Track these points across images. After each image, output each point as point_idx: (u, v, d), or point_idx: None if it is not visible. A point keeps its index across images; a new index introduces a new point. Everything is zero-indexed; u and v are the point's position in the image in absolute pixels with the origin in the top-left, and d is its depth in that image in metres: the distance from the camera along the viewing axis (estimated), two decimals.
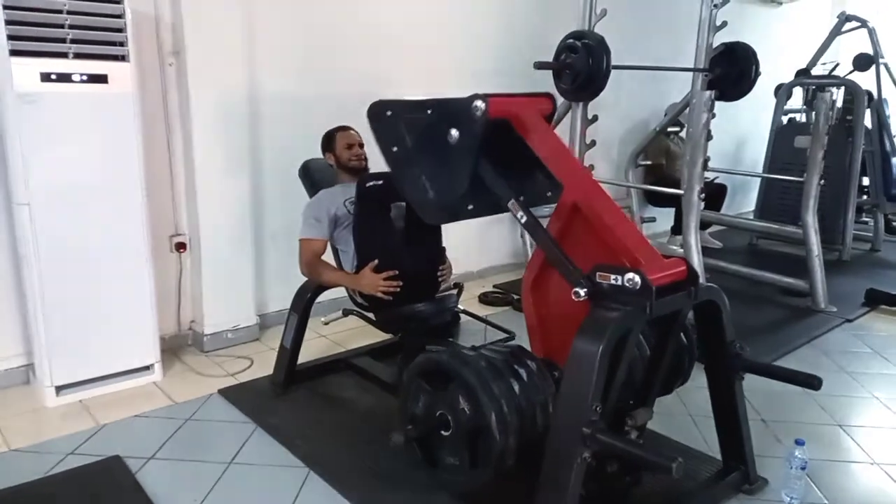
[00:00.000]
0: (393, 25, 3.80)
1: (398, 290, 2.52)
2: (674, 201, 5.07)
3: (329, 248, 2.82)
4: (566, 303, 1.86)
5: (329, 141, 2.89)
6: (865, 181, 5.63)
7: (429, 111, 2.04)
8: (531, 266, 2.11)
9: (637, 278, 1.68)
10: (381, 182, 2.48)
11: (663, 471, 1.49)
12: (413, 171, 2.08)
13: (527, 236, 4.58)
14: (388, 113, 2.10)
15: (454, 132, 1.94)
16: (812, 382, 1.98)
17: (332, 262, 2.84)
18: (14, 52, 2.42)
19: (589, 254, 1.88)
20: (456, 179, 1.98)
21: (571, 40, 3.35)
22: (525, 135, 2.01)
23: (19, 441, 2.42)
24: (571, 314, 1.89)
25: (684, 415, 2.69)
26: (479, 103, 1.88)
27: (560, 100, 2.64)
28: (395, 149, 2.10)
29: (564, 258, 1.84)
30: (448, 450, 1.94)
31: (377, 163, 2.95)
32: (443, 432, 1.93)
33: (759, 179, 5.90)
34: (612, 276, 1.72)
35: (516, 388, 1.84)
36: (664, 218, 5.36)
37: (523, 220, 1.92)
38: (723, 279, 4.00)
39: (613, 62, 3.26)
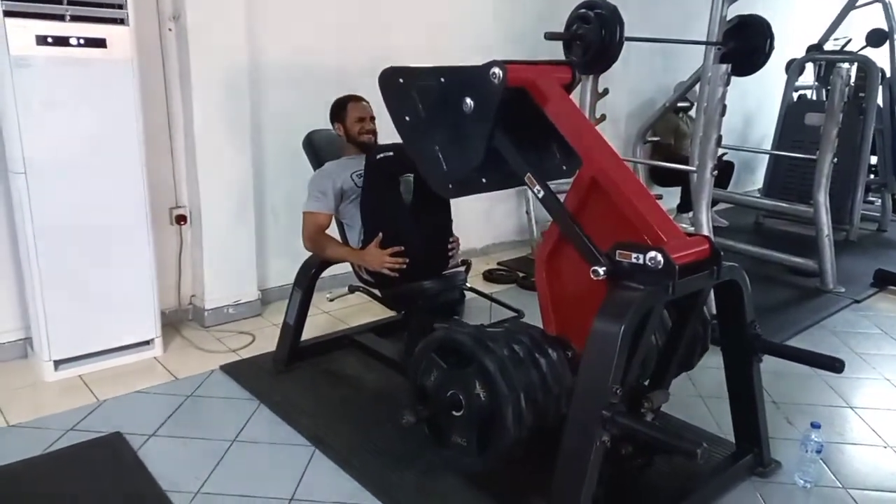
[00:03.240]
0: None
1: (404, 266, 2.45)
2: (680, 180, 5.00)
3: (334, 223, 2.75)
4: (582, 278, 1.79)
5: (340, 109, 2.76)
6: (873, 160, 5.56)
7: (442, 79, 1.94)
8: (546, 240, 2.04)
9: (659, 257, 1.62)
10: (391, 154, 2.40)
11: (687, 456, 1.45)
12: (426, 142, 1.99)
13: (532, 213, 4.51)
14: (400, 80, 2.00)
15: (469, 101, 1.85)
16: (834, 365, 1.93)
17: (338, 237, 2.77)
18: (8, 13, 2.32)
19: (608, 230, 1.81)
20: (470, 151, 1.90)
21: (583, 10, 3.25)
22: (543, 104, 1.91)
23: (18, 416, 2.37)
24: (587, 290, 1.83)
25: (694, 395, 2.65)
26: (497, 70, 1.78)
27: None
28: (407, 118, 2.01)
29: (582, 235, 1.77)
30: (457, 430, 1.89)
31: (390, 134, 2.89)
32: (454, 412, 1.87)
33: (765, 157, 5.83)
34: (634, 255, 1.66)
35: (535, 378, 1.78)
36: (670, 197, 5.29)
37: (540, 195, 1.84)
38: (730, 258, 3.95)
39: (625, 34, 3.17)
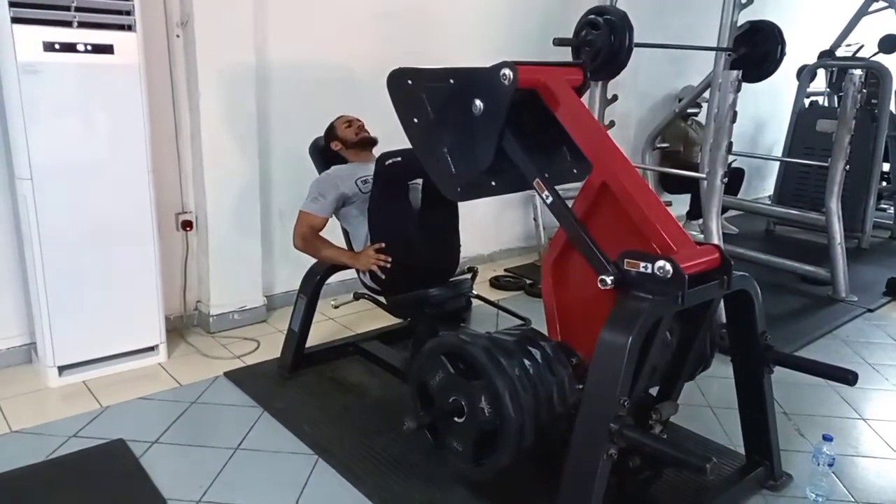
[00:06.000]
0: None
1: (387, 264, 2.44)
2: (690, 187, 4.96)
3: (339, 231, 2.73)
4: (588, 286, 1.77)
5: (331, 130, 2.83)
6: (885, 167, 5.50)
7: (451, 80, 1.92)
8: (553, 246, 2.01)
9: (668, 266, 1.59)
10: (399, 159, 2.39)
11: (695, 470, 1.42)
12: (435, 144, 1.96)
13: (540, 220, 4.49)
14: (409, 82, 1.97)
15: (479, 103, 1.84)
16: (847, 378, 1.89)
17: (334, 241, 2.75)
18: (16, 20, 2.32)
19: (617, 237, 1.78)
20: (480, 154, 1.87)
21: (593, 16, 3.24)
22: (554, 107, 1.89)
23: (21, 422, 2.36)
24: (593, 298, 1.81)
25: (704, 406, 2.61)
26: (507, 71, 1.76)
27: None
28: (415, 119, 1.97)
29: (590, 243, 1.74)
30: (455, 435, 1.89)
31: (391, 141, 2.88)
32: (455, 418, 1.86)
33: (776, 164, 5.77)
34: (642, 264, 1.63)
35: (543, 399, 1.76)
36: (679, 203, 5.25)
37: (549, 201, 1.81)
38: (740, 266, 3.91)
39: (634, 40, 3.14)
